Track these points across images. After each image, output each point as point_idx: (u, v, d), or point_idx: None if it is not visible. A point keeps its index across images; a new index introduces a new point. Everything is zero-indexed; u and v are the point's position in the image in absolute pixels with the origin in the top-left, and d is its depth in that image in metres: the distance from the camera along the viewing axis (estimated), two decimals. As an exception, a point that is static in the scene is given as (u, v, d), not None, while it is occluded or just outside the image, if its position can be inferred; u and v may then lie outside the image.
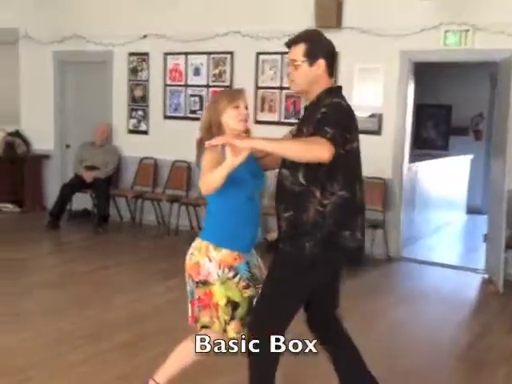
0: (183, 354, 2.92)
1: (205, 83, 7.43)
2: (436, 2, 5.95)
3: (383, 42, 6.31)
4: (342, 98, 2.68)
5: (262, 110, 7.08)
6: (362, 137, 7.08)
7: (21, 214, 8.32)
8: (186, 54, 7.48)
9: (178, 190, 7.57)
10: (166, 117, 7.74)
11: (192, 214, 7.46)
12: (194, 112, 7.52)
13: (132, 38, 7.71)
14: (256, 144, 2.43)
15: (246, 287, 2.76)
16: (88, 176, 7.56)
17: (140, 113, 7.93)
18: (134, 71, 7.91)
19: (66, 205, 7.66)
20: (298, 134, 2.71)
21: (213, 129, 2.76)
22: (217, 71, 7.35)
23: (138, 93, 7.92)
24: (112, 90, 8.05)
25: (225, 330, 2.77)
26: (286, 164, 2.65)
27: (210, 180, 2.54)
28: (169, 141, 7.70)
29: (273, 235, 6.36)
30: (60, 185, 7.83)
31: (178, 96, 7.63)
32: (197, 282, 2.78)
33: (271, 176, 3.04)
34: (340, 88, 2.77)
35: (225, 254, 2.74)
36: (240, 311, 2.74)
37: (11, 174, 8.41)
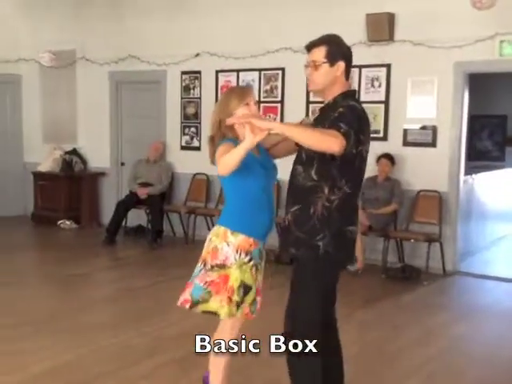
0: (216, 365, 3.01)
1: (256, 99, 7.48)
2: (491, 12, 5.86)
3: (436, 54, 6.25)
4: (358, 101, 2.85)
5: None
6: (416, 149, 7.08)
7: (78, 230, 8.56)
8: (238, 70, 7.58)
9: (231, 205, 7.62)
10: (218, 133, 7.83)
11: (245, 229, 7.50)
12: (245, 128, 7.58)
13: (185, 57, 7.88)
14: (275, 126, 2.55)
15: (257, 273, 2.92)
16: (142, 192, 7.73)
17: (193, 129, 8.07)
18: (186, 89, 8.06)
19: (122, 221, 7.84)
20: None
21: (222, 127, 2.85)
22: (268, 87, 7.42)
23: (191, 110, 8.07)
24: (166, 107, 8.22)
25: (233, 314, 2.86)
26: (302, 160, 2.78)
27: (227, 161, 2.62)
28: (221, 157, 7.79)
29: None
30: (115, 201, 8.03)
31: (230, 112, 7.71)
32: (212, 266, 2.86)
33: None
34: (355, 92, 2.93)
35: (241, 239, 2.85)
36: (251, 295, 2.89)
37: (69, 191, 8.68)
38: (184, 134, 8.15)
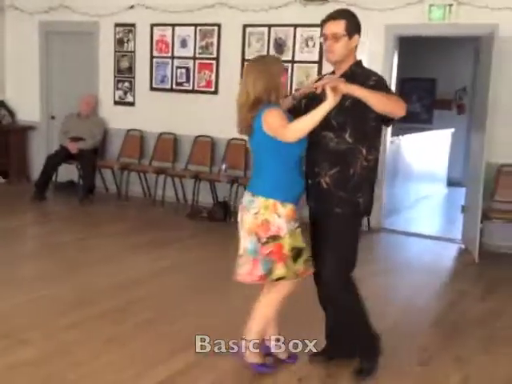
0: (268, 308, 3.19)
1: (191, 55, 7.45)
2: (421, -23, 6.01)
3: (368, 17, 6.34)
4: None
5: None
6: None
7: (6, 185, 8.36)
8: (173, 25, 7.48)
9: (165, 161, 7.64)
10: (153, 88, 7.76)
11: (178, 186, 7.55)
12: (180, 84, 7.55)
13: (119, 9, 7.70)
14: (355, 90, 2.79)
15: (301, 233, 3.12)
16: (73, 147, 7.59)
17: (126, 84, 7.95)
18: (120, 42, 7.90)
19: (52, 176, 7.69)
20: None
21: (271, 93, 2.97)
22: (204, 43, 7.37)
23: (125, 64, 7.93)
24: (98, 60, 8.04)
25: (293, 277, 3.08)
26: (331, 127, 3.00)
27: (304, 125, 2.83)
28: (155, 112, 7.75)
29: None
30: (45, 156, 7.87)
31: (165, 68, 7.64)
32: (267, 239, 2.98)
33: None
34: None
35: (290, 208, 3.02)
36: (305, 254, 3.09)
37: (-4, 144, 8.42)
38: (117, 89, 8.02)
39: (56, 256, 5.34)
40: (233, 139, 7.18)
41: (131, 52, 7.84)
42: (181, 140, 7.62)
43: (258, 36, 7.01)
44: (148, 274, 4.87)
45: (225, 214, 6.83)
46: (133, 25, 7.73)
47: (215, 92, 7.34)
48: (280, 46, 6.92)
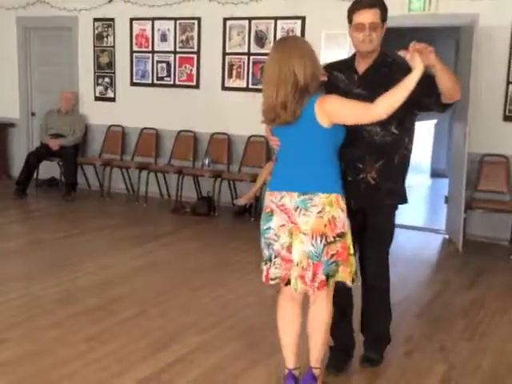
0: (329, 321, 2.88)
1: (172, 49, 7.39)
2: (400, -33, 5.99)
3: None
4: None
5: (230, 76, 7.08)
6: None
7: (-13, 183, 8.25)
8: (153, 19, 7.42)
9: (147, 157, 7.58)
10: (133, 83, 7.70)
11: (161, 181, 7.50)
12: (161, 79, 7.49)
13: (97, 3, 7.61)
14: (436, 60, 2.71)
15: None
16: (54, 144, 7.51)
17: (107, 80, 7.87)
18: (99, 37, 7.81)
19: (33, 173, 7.61)
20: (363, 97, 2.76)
21: (315, 79, 2.66)
22: (184, 37, 7.31)
23: (104, 59, 7.84)
24: (78, 56, 7.95)
25: (355, 279, 2.85)
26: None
27: (392, 102, 2.55)
28: (136, 108, 7.68)
29: (241, 201, 6.45)
30: (26, 153, 7.77)
31: (145, 62, 7.58)
32: (334, 238, 2.67)
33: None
34: None
35: (344, 200, 2.77)
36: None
37: (-24, 142, 8.31)
38: (97, 85, 7.93)
39: (38, 254, 5.28)
40: (215, 134, 7.14)
41: (111, 47, 7.76)
42: (163, 135, 7.56)
43: (239, 29, 6.97)
44: (131, 271, 4.82)
45: (209, 209, 6.79)
46: (112, 19, 7.65)
47: (197, 86, 7.28)
48: (261, 38, 6.88)
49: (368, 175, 2.98)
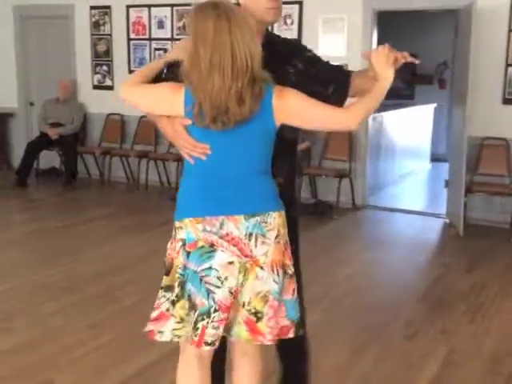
0: None
1: (169, 36, 7.35)
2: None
3: (347, -8, 6.32)
4: None
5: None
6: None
7: (-13, 173, 8.25)
8: (149, 6, 7.37)
9: (146, 145, 7.57)
10: (131, 71, 7.66)
11: (161, 169, 7.50)
12: (159, 66, 7.45)
13: (93, -9, 7.57)
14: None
15: None
16: (53, 133, 7.49)
17: (104, 68, 7.83)
18: (96, 25, 7.77)
19: (33, 163, 7.60)
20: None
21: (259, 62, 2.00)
22: (181, 24, 7.26)
23: (102, 47, 7.80)
24: (75, 44, 7.91)
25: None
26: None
27: (367, 111, 2.00)
28: (135, 96, 7.64)
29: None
30: (25, 143, 7.76)
31: (143, 50, 7.54)
32: (292, 266, 2.07)
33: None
34: None
35: None
36: None
37: (-25, 133, 8.29)
38: (95, 73, 7.90)
39: (39, 243, 5.29)
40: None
41: (108, 35, 7.71)
42: (162, 123, 7.53)
43: (237, 15, 6.92)
44: (133, 259, 4.84)
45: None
46: (108, 7, 7.60)
47: (195, 73, 7.24)
48: (259, 24, 6.84)
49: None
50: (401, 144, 8.20)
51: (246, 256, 1.96)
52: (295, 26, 6.64)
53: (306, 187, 6.78)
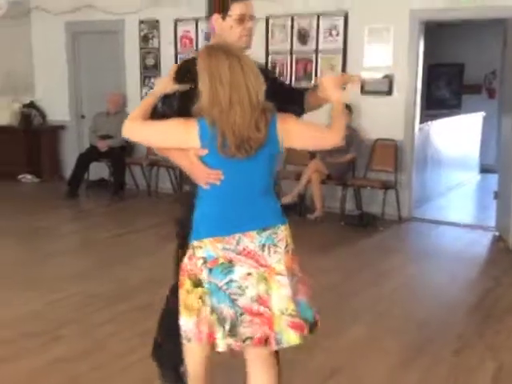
0: None
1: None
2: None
3: (393, 2, 6.30)
4: None
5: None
6: (373, 98, 7.18)
7: (40, 184, 8.52)
8: (196, 20, 7.51)
9: (193, 156, 7.66)
10: (179, 84, 7.79)
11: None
12: (205, 79, 7.56)
13: (142, 6, 7.75)
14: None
15: None
16: (102, 145, 7.70)
17: (153, 81, 8.00)
18: (145, 39, 7.96)
19: (83, 174, 7.81)
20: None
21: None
22: (227, 37, 7.36)
23: (150, 61, 7.98)
24: (124, 58, 8.11)
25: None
26: None
27: (343, 126, 2.31)
28: (182, 108, 7.78)
29: (286, 199, 6.49)
30: (77, 155, 7.98)
31: (190, 63, 7.66)
32: (299, 272, 2.32)
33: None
34: None
35: None
36: None
37: (28, 145, 8.58)
38: (144, 86, 8.08)
39: (90, 253, 5.44)
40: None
41: (156, 49, 7.89)
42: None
43: (281, 27, 6.99)
44: (180, 269, 4.91)
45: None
46: (157, 21, 7.78)
47: (241, 85, 7.33)
48: (303, 36, 6.88)
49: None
50: (448, 154, 8.09)
51: (261, 266, 2.19)
52: (340, 38, 6.66)
53: (351, 198, 6.76)
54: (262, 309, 2.18)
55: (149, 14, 7.76)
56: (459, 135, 8.63)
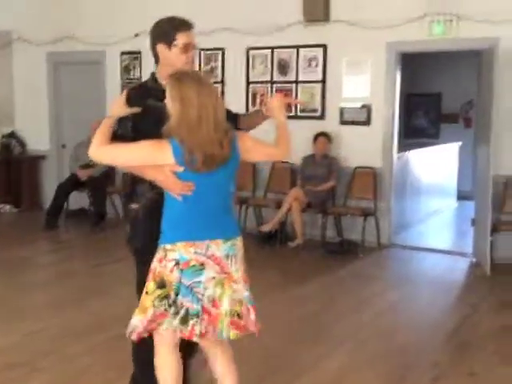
0: None
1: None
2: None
3: (370, 35, 6.44)
4: None
5: (254, 104, 7.19)
6: (352, 128, 7.29)
7: (18, 213, 8.46)
8: (177, 51, 7.58)
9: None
10: (159, 114, 7.84)
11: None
12: (186, 108, 7.62)
13: (124, 37, 7.82)
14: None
15: None
16: (82, 174, 7.68)
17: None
18: (126, 70, 8.03)
19: (63, 204, 7.77)
20: None
21: None
22: (209, 67, 7.47)
23: (131, 91, 8.02)
24: (105, 88, 8.16)
25: None
26: None
27: (289, 141, 2.67)
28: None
29: (266, 227, 6.51)
30: (56, 184, 7.96)
31: (171, 93, 7.72)
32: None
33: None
34: None
35: None
36: None
37: (8, 174, 8.55)
38: (125, 116, 8.10)
39: (68, 283, 5.39)
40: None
41: (138, 79, 7.94)
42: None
43: (262, 58, 7.10)
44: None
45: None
46: (139, 52, 7.85)
47: (221, 115, 7.40)
48: (284, 67, 7.00)
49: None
50: (426, 182, 8.21)
51: (224, 273, 2.50)
52: (320, 68, 6.78)
53: (331, 226, 6.80)
54: (212, 309, 2.48)
55: (130, 45, 7.83)
56: (437, 164, 8.77)
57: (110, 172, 7.97)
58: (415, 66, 9.38)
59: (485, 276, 5.55)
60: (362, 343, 4.02)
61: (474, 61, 9.38)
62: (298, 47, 6.86)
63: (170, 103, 2.41)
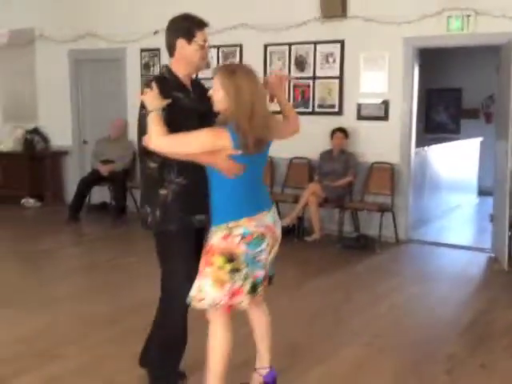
0: None
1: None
2: (437, -11, 6.06)
3: (387, 30, 6.44)
4: None
5: (271, 100, 7.21)
6: (369, 123, 7.29)
7: (42, 208, 8.63)
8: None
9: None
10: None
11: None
12: (205, 104, 7.70)
13: (144, 35, 7.92)
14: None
15: None
16: (104, 170, 7.81)
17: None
18: (146, 67, 8.13)
19: (85, 198, 7.93)
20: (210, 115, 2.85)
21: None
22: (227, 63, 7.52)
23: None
24: (126, 85, 8.27)
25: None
26: None
27: (297, 115, 3.10)
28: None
29: (285, 221, 6.56)
30: (78, 179, 8.10)
31: (190, 89, 7.81)
32: None
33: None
34: None
35: None
36: None
37: (31, 170, 8.72)
38: (145, 112, 8.21)
39: (90, 275, 5.51)
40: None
41: (157, 75, 8.03)
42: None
43: (279, 54, 7.15)
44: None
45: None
46: (158, 49, 7.94)
47: (240, 111, 7.46)
48: (301, 63, 7.03)
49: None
50: (446, 178, 8.18)
51: (275, 239, 2.85)
52: (337, 64, 6.80)
53: (348, 221, 6.83)
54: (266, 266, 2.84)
55: (150, 42, 7.93)
56: (457, 159, 8.73)
57: (130, 167, 8.11)
58: (435, 60, 9.35)
59: (502, 271, 5.54)
60: (378, 335, 4.05)
61: (495, 55, 9.31)
62: (315, 43, 6.89)
63: (222, 93, 2.66)
